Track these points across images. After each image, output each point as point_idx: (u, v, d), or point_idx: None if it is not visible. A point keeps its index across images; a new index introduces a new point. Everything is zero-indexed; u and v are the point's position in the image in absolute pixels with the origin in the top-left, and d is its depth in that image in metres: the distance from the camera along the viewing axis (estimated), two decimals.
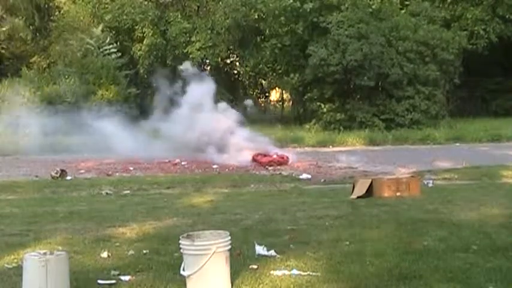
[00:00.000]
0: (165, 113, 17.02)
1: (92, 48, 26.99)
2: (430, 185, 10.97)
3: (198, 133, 15.90)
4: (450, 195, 9.61)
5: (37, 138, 17.52)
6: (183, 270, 4.86)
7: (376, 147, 19.36)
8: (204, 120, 16.01)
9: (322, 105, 23.82)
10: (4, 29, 28.93)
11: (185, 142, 15.97)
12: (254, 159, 15.14)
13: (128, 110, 23.11)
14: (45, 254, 4.75)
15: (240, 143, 15.63)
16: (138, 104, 25.86)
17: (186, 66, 18.21)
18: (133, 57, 28.41)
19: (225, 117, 16.29)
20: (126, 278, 5.25)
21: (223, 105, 16.83)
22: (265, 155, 15.21)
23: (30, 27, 30.30)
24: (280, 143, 17.36)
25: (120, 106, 22.63)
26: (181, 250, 4.89)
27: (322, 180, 12.30)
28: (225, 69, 31.89)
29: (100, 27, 27.68)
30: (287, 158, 15.07)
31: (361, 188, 9.50)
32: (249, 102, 19.67)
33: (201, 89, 16.61)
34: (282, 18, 25.75)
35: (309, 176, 12.68)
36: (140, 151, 15.80)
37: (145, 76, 28.29)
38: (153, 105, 18.84)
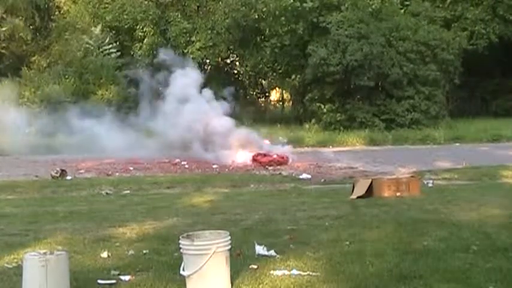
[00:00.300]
0: (151, 107, 16.68)
1: (92, 48, 26.98)
2: (430, 185, 10.97)
3: (183, 128, 15.61)
4: (450, 195, 9.61)
5: (37, 138, 17.51)
6: (183, 270, 4.86)
7: (376, 147, 19.37)
8: (188, 113, 15.65)
9: (322, 106, 23.81)
10: (4, 29, 28.86)
11: (171, 140, 15.75)
12: (254, 159, 15.13)
13: (127, 109, 23.07)
14: (45, 253, 4.76)
15: (224, 134, 15.39)
16: (138, 104, 25.81)
17: (164, 56, 17.60)
18: (133, 57, 28.38)
19: (210, 108, 15.96)
20: (126, 278, 5.26)
21: (207, 93, 16.41)
22: (265, 155, 15.20)
23: (30, 27, 30.22)
24: (280, 143, 17.31)
25: (119, 106, 22.61)
26: (181, 250, 4.89)
27: (322, 180, 12.29)
28: (225, 69, 31.87)
29: (99, 27, 27.65)
30: (287, 158, 15.06)
31: (361, 188, 9.49)
32: (230, 89, 18.93)
33: (185, 79, 16.23)
34: (282, 18, 25.74)
35: (309, 176, 12.67)
36: (129, 150, 15.71)
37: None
38: (138, 99, 18.32)
